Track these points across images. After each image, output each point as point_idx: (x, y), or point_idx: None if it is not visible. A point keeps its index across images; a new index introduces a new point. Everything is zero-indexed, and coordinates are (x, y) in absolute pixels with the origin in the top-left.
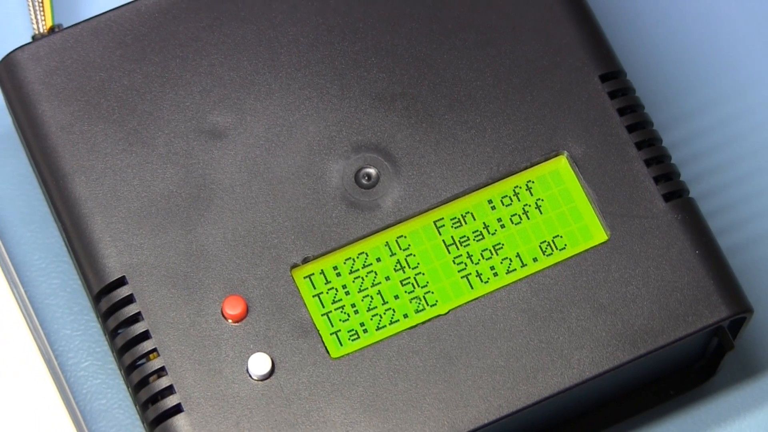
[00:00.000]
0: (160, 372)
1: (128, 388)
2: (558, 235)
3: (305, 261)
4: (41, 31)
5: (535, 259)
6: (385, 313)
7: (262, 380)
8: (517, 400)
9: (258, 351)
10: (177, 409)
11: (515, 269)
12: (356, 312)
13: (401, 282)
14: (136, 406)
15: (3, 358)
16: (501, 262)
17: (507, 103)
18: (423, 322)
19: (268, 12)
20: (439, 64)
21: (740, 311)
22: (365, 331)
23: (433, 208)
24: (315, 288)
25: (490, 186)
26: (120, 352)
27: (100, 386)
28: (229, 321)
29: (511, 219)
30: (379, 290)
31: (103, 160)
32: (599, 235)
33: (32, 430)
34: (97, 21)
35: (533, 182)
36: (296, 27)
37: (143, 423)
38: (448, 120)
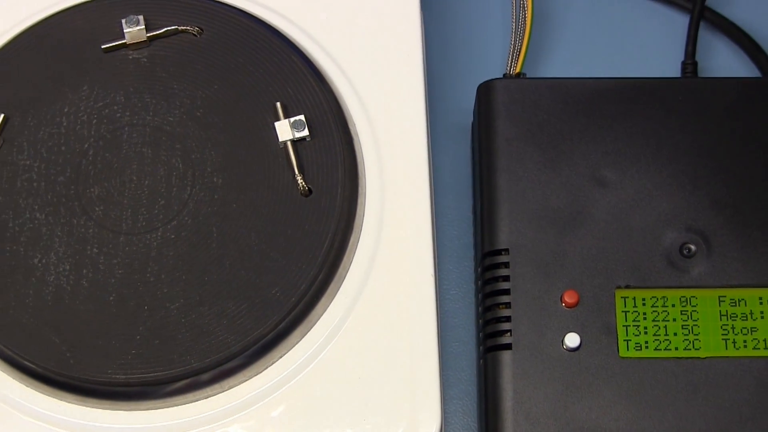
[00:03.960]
0: (505, 319)
1: (478, 320)
2: None
3: (627, 287)
4: (511, 72)
5: None
6: (663, 341)
7: (569, 351)
8: None
9: (574, 332)
10: (507, 347)
11: (759, 348)
12: (645, 333)
13: (682, 326)
14: (479, 333)
15: (413, 274)
16: (752, 340)
17: None
18: (686, 358)
19: (663, 117)
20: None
21: None
22: (646, 347)
23: (722, 287)
24: (626, 306)
25: (766, 288)
26: (485, 296)
27: (456, 309)
28: (563, 305)
29: None
30: (665, 325)
31: (524, 169)
32: None
33: (411, 318)
34: (552, 81)
35: None
36: (680, 135)
37: (479, 347)
38: (757, 235)
